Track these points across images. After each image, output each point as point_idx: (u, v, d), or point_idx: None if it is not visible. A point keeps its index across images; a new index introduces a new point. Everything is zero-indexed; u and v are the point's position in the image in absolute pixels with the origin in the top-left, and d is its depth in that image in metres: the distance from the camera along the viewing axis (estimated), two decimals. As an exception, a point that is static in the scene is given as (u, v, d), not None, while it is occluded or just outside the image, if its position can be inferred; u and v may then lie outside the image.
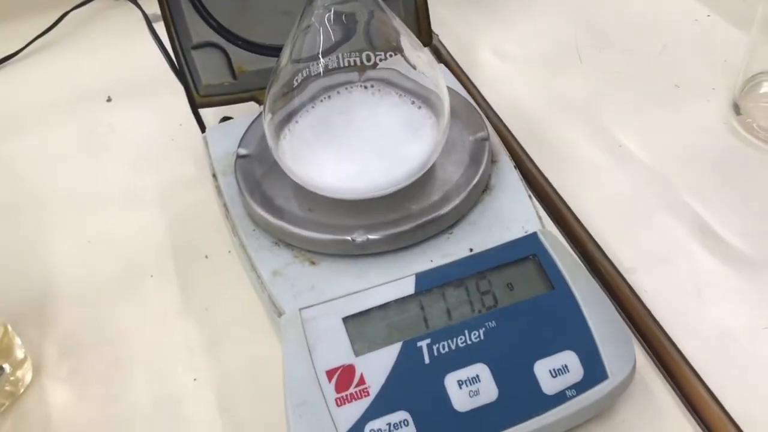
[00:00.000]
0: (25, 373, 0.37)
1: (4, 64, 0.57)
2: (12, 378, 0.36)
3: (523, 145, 0.45)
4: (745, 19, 0.44)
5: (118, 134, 0.50)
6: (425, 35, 0.46)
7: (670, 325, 0.35)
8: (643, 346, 0.35)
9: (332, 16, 0.33)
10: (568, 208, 0.41)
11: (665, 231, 0.39)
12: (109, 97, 0.53)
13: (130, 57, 0.53)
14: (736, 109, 0.45)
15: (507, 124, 0.46)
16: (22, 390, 0.36)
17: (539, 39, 0.53)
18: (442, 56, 0.53)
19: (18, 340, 0.37)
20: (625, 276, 0.37)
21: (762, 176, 0.42)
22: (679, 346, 0.34)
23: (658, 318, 0.35)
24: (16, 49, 0.57)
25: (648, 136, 0.45)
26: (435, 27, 0.54)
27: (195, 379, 0.36)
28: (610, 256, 0.38)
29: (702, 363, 0.34)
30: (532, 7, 0.57)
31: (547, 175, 0.43)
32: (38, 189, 0.47)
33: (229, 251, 0.41)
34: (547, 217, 0.41)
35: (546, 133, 0.46)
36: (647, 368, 0.34)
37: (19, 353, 0.37)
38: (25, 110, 0.53)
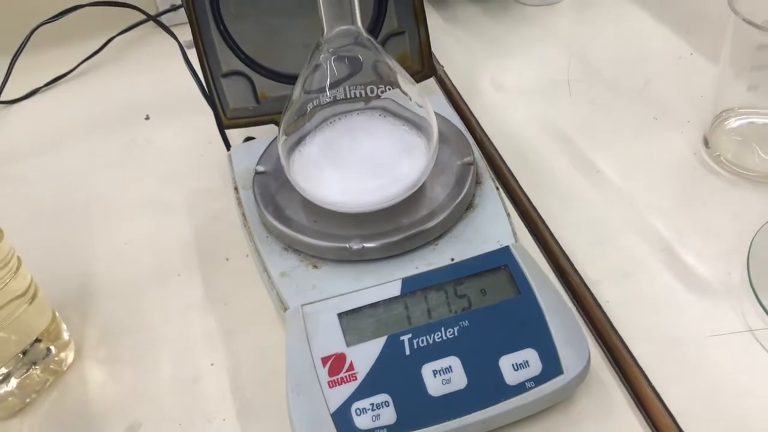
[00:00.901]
0: (68, 354, 0.42)
1: (57, 82, 0.63)
2: (57, 358, 0.42)
3: (511, 168, 0.50)
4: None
5: (154, 148, 0.56)
6: (428, 68, 0.51)
7: (626, 332, 0.40)
8: (601, 349, 0.40)
9: (336, 58, 0.39)
10: (546, 225, 0.46)
11: (630, 249, 0.44)
12: (147, 115, 0.59)
13: (167, 80, 0.58)
14: (706, 142, 0.49)
15: (498, 148, 0.52)
16: (65, 368, 0.42)
17: (535, 72, 0.58)
18: (445, 86, 0.58)
19: (64, 325, 0.43)
20: (591, 287, 0.42)
21: (724, 204, 0.46)
22: (632, 349, 0.39)
23: (615, 325, 0.40)
24: (67, 69, 0.64)
25: (624, 163, 0.49)
26: (441, 59, 0.60)
27: (212, 364, 0.41)
28: (579, 270, 0.43)
29: (651, 365, 0.38)
30: (530, 43, 0.62)
31: (529, 194, 0.48)
32: (84, 194, 0.53)
33: (247, 255, 0.46)
34: (527, 232, 0.46)
35: (532, 158, 0.51)
36: (603, 368, 0.39)
37: (65, 336, 0.43)
38: (75, 124, 0.59)
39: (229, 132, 0.51)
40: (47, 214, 0.52)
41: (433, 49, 0.61)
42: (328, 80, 0.40)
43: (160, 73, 0.61)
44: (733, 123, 0.50)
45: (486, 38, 0.63)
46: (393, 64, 0.41)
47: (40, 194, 0.53)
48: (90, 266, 0.47)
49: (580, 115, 0.54)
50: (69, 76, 0.64)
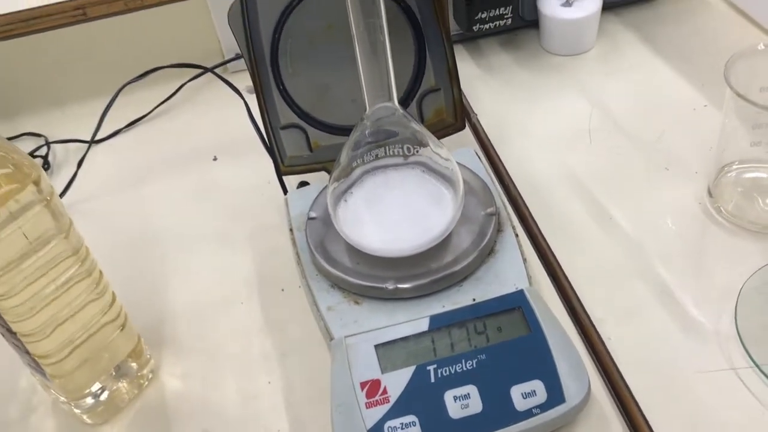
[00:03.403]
0: (149, 371, 0.50)
1: (135, 124, 0.72)
2: (140, 374, 0.49)
3: (533, 212, 0.56)
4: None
5: (220, 187, 0.64)
6: (460, 121, 0.58)
7: (624, 365, 0.46)
8: (603, 380, 0.46)
9: (376, 130, 0.46)
10: (561, 267, 0.52)
11: (634, 291, 0.50)
12: (215, 156, 0.67)
13: (233, 124, 0.63)
14: (710, 192, 0.55)
15: (522, 193, 0.58)
16: (146, 383, 0.50)
17: (559, 120, 0.64)
18: (478, 134, 0.64)
19: (146, 346, 0.51)
20: (596, 325, 0.48)
21: (722, 252, 0.52)
22: (628, 381, 0.45)
23: (615, 359, 0.46)
24: (144, 113, 0.72)
25: (634, 211, 0.55)
26: (475, 106, 0.66)
27: (269, 382, 0.49)
28: (587, 309, 0.49)
29: (644, 396, 0.44)
30: (557, 92, 0.67)
31: (548, 238, 0.54)
32: (159, 228, 0.61)
33: (299, 286, 0.53)
34: (546, 273, 0.52)
35: (553, 204, 0.57)
36: (604, 398, 0.45)
37: (146, 355, 0.51)
38: (150, 163, 0.67)
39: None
40: (128, 246, 0.59)
41: (468, 96, 0.68)
42: (370, 146, 0.47)
43: (226, 117, 0.68)
44: (736, 176, 0.55)
45: (516, 86, 0.69)
46: (424, 131, 0.47)
47: (122, 227, 0.61)
48: (166, 294, 0.55)
49: (598, 163, 0.60)
50: (145, 118, 0.72)
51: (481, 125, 0.65)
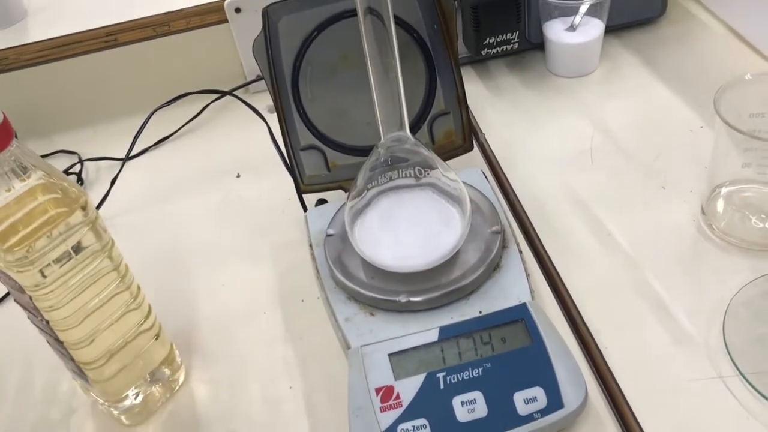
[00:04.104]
0: (180, 376, 0.54)
1: (162, 143, 0.76)
2: (172, 379, 0.54)
3: (537, 229, 0.60)
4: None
5: (244, 203, 0.68)
6: (468, 142, 0.62)
7: (620, 373, 0.49)
8: (600, 387, 0.49)
9: (390, 156, 0.50)
10: (562, 281, 0.55)
11: (630, 304, 0.53)
12: (238, 173, 0.71)
13: (254, 142, 0.67)
14: (703, 211, 0.58)
15: (527, 210, 0.61)
16: (177, 388, 0.54)
17: (562, 141, 0.68)
18: (486, 153, 0.68)
19: (177, 352, 0.55)
20: (594, 336, 0.52)
21: (713, 268, 0.55)
22: (623, 388, 0.48)
23: (612, 368, 0.50)
24: (171, 132, 0.77)
25: (631, 228, 0.58)
26: (483, 127, 0.70)
27: (291, 387, 0.53)
28: (586, 320, 0.53)
29: (637, 402, 0.48)
30: (560, 113, 0.71)
31: (551, 254, 0.58)
32: (187, 241, 0.65)
33: (318, 298, 0.57)
34: (548, 286, 0.56)
35: (555, 220, 0.60)
36: (600, 403, 0.49)
37: (178, 362, 0.55)
38: (178, 179, 0.72)
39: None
40: (159, 258, 0.64)
41: (476, 116, 0.71)
42: (384, 169, 0.51)
43: (249, 136, 0.71)
44: (728, 195, 0.58)
45: (522, 107, 0.73)
46: (434, 156, 0.51)
47: (152, 241, 0.66)
48: (194, 304, 0.59)
49: (598, 182, 0.63)
50: (171, 137, 0.77)
51: (488, 144, 0.68)
